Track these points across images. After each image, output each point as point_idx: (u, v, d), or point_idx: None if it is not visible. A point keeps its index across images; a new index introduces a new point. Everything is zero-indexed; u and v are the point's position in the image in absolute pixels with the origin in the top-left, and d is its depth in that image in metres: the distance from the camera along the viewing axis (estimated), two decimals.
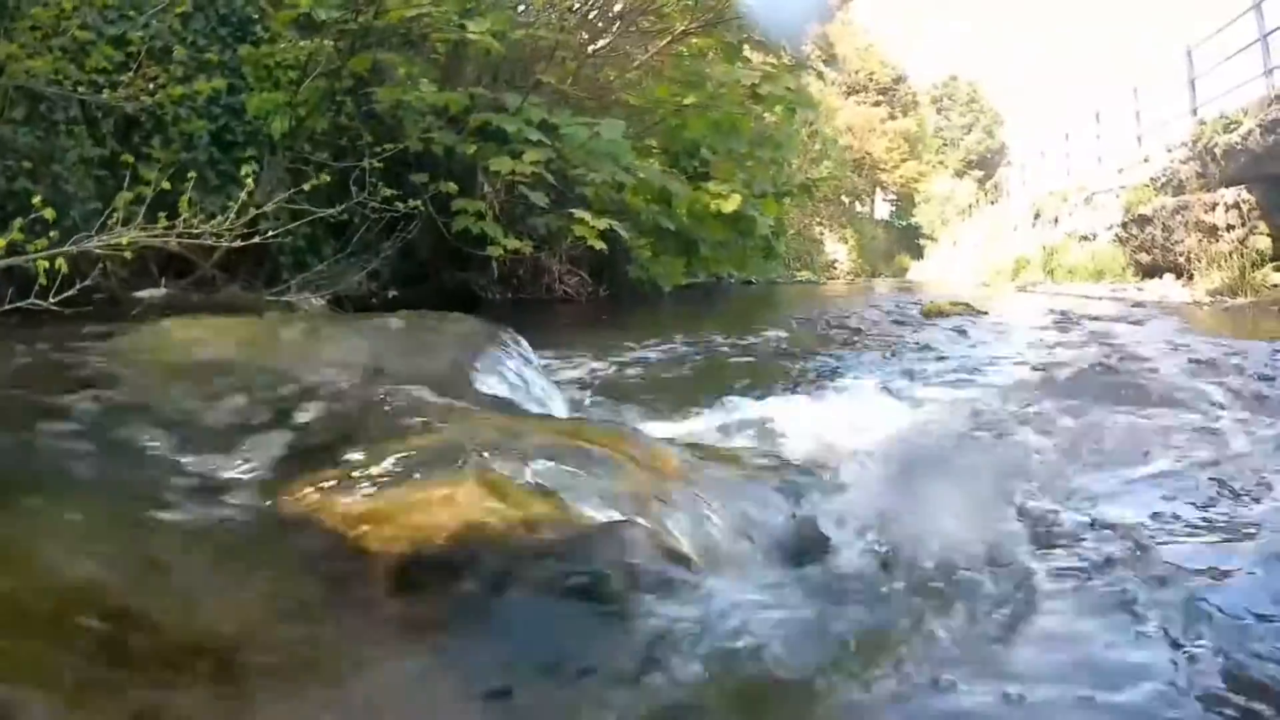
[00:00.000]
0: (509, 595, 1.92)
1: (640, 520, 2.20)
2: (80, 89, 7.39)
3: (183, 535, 2.10)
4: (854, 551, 2.38)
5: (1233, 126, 13.50)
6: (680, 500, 2.42)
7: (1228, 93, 15.51)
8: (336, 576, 1.97)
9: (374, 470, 2.30)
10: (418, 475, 2.26)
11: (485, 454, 2.34)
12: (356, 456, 2.43)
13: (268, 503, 2.24)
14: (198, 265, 8.40)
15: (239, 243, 6.31)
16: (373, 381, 3.24)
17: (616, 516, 2.20)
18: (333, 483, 2.27)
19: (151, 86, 7.60)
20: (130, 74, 7.51)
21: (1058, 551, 2.45)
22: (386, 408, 2.90)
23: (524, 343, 4.33)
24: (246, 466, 2.42)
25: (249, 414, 2.78)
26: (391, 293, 10.94)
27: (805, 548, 2.38)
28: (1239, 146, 13.03)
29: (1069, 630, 2.02)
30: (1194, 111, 16.72)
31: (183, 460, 2.46)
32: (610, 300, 13.52)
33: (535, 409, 3.55)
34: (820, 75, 38.83)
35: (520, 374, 3.82)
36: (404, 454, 2.40)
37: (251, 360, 3.39)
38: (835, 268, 50.37)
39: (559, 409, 3.93)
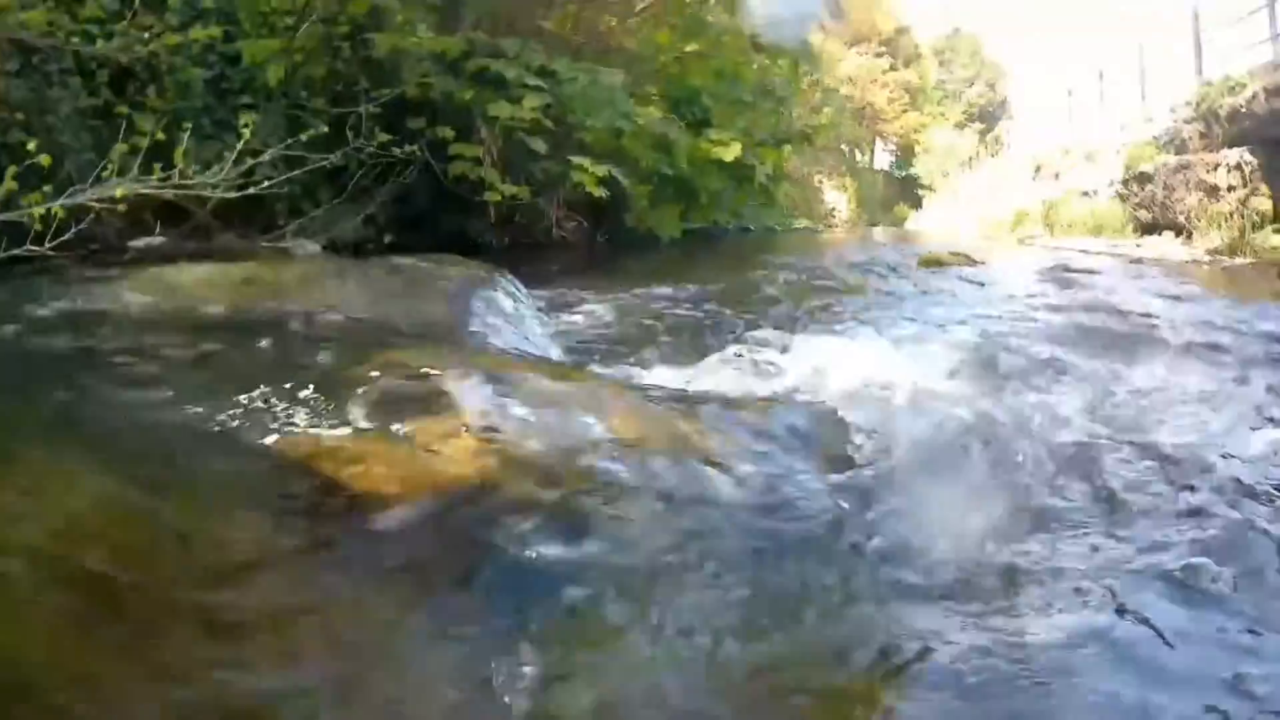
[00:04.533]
0: (499, 538, 1.92)
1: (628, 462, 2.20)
2: (74, 40, 7.32)
3: (176, 479, 2.09)
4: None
5: (1237, 89, 13.43)
6: (669, 440, 2.41)
7: (1234, 55, 15.43)
8: (327, 520, 1.96)
9: (367, 414, 2.29)
10: (410, 420, 2.25)
11: (478, 399, 2.33)
12: (350, 401, 2.41)
13: (261, 446, 2.23)
14: (193, 213, 8.35)
15: (234, 193, 6.27)
16: (368, 326, 3.22)
17: (606, 461, 2.19)
18: (325, 427, 2.25)
19: (146, 35, 7.53)
20: (124, 23, 7.44)
21: (1052, 512, 2.44)
22: (381, 352, 2.87)
23: (520, 286, 4.32)
24: (240, 410, 2.40)
25: (243, 358, 2.76)
26: (388, 238, 10.89)
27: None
28: (1243, 109, 12.99)
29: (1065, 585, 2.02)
30: (1199, 72, 16.62)
31: (178, 404, 2.44)
32: (608, 246, 13.46)
33: (531, 352, 3.53)
34: (823, 27, 38.55)
35: (516, 317, 3.81)
36: (397, 399, 2.39)
37: (247, 305, 3.36)
38: (834, 216, 50.08)
39: (554, 352, 3.92)
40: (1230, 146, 13.37)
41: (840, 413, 2.90)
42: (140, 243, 8.15)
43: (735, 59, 13.66)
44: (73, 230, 4.84)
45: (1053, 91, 31.41)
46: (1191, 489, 2.61)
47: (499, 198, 10.38)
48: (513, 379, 2.61)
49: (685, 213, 14.81)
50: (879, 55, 59.70)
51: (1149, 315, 5.82)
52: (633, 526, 2.03)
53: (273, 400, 2.47)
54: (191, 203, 7.67)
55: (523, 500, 2.01)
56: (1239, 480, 2.69)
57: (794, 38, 15.21)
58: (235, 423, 2.35)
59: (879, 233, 29.96)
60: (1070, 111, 27.52)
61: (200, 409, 2.40)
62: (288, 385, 2.57)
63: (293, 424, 2.30)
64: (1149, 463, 2.78)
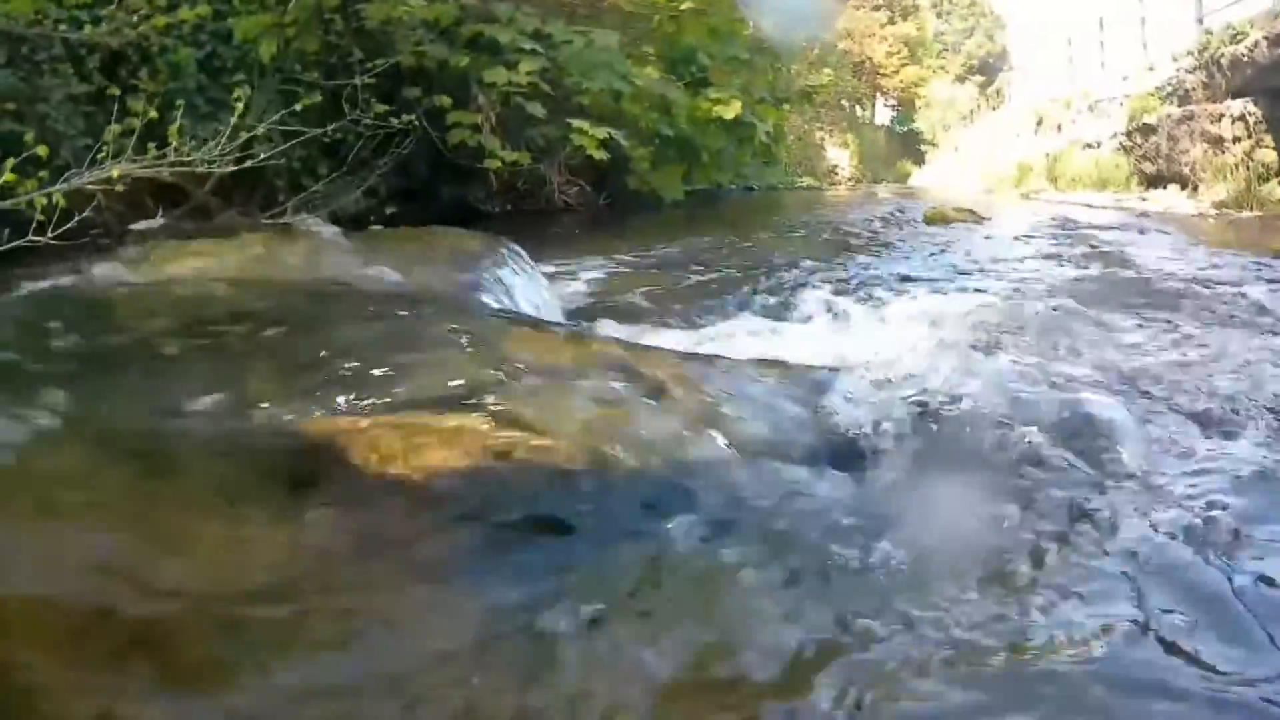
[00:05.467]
0: (528, 521, 1.89)
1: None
2: (61, 27, 7.28)
3: (195, 466, 2.04)
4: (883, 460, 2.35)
5: (1239, 38, 13.29)
6: (695, 410, 2.37)
7: (1234, 2, 15.27)
8: (349, 504, 1.92)
9: (384, 397, 2.25)
10: (428, 401, 2.20)
11: (496, 379, 2.30)
12: (366, 381, 2.36)
13: (277, 428, 2.18)
14: (192, 194, 8.32)
15: (230, 168, 6.23)
16: (376, 300, 3.17)
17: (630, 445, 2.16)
18: (343, 408, 2.21)
19: (135, 19, 7.48)
20: (112, 8, 7.40)
21: (1067, 477, 2.40)
22: (393, 327, 2.83)
23: (524, 255, 4.28)
24: (255, 393, 2.35)
25: (255, 340, 2.71)
26: (389, 209, 10.86)
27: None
28: (1245, 58, 12.85)
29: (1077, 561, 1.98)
30: (1200, 20, 16.47)
31: (193, 390, 2.38)
32: (611, 209, 13.41)
33: (542, 319, 3.52)
34: None
35: (523, 286, 3.78)
36: (413, 378, 2.35)
37: (256, 284, 3.31)
38: (837, 174, 50.01)
39: (559, 316, 3.91)
40: (1234, 97, 13.24)
41: (855, 377, 2.85)
42: (140, 225, 8.13)
43: (730, 16, 13.55)
44: (75, 219, 4.79)
45: (1052, 41, 31.07)
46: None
47: (499, 164, 10.34)
48: (530, 352, 2.56)
49: (687, 173, 14.75)
50: (877, 9, 59.45)
51: (1162, 274, 5.75)
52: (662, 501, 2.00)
53: (289, 383, 2.41)
54: (190, 182, 7.64)
55: (549, 480, 1.98)
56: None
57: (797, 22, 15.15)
58: (251, 407, 2.29)
59: (882, 189, 29.89)
60: (1071, 61, 27.34)
61: (213, 395, 2.35)
62: (300, 366, 2.51)
63: (307, 407, 2.25)
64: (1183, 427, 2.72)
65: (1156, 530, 2.06)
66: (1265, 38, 12.22)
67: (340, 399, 2.24)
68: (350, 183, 9.58)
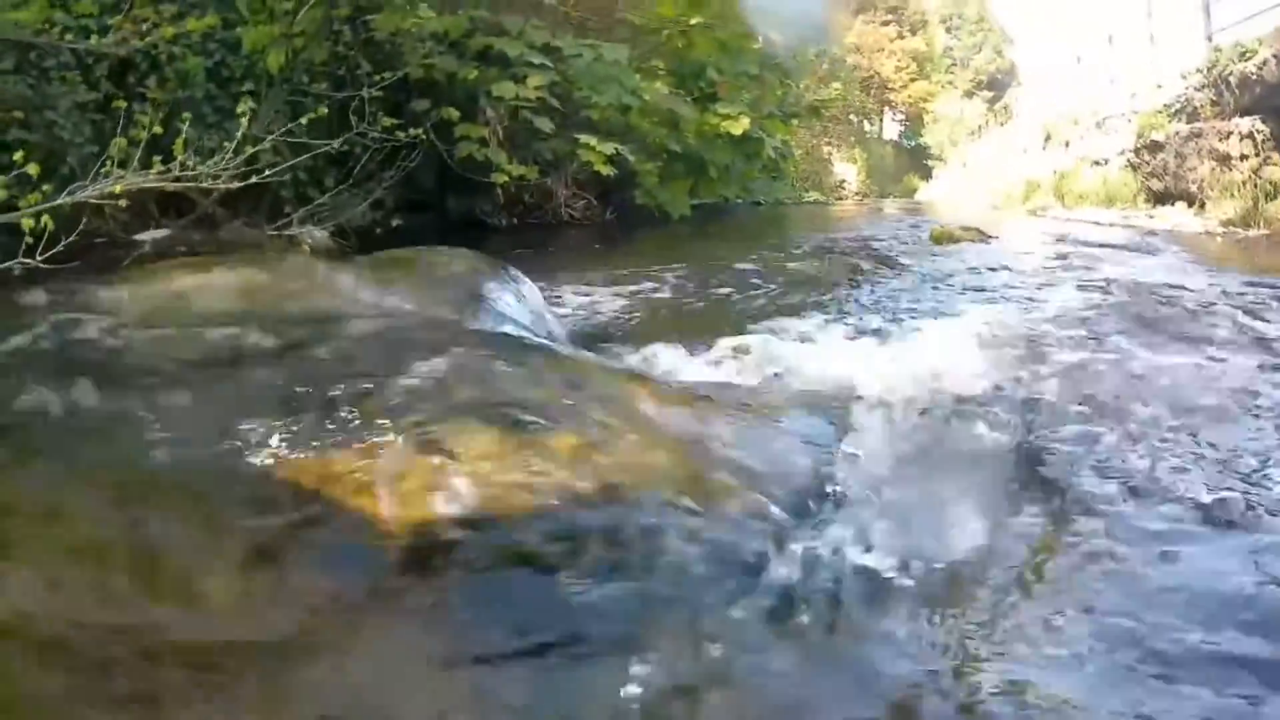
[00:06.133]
0: (522, 565, 1.86)
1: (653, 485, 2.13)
2: (68, 36, 7.26)
3: (184, 500, 2.01)
4: (869, 503, 2.31)
5: (1248, 55, 13.25)
6: (694, 452, 2.34)
7: (1244, 20, 15.22)
8: (343, 545, 1.88)
9: (382, 431, 2.21)
10: (425, 436, 2.17)
11: (495, 411, 2.26)
12: (365, 416, 2.32)
13: (272, 463, 2.14)
14: (198, 204, 8.30)
15: (235, 184, 6.21)
16: (375, 329, 3.12)
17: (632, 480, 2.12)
18: (339, 443, 2.17)
19: (144, 28, 7.46)
20: (119, 17, 7.38)
21: (1079, 517, 2.37)
22: (392, 358, 2.78)
23: (526, 280, 4.23)
24: (251, 427, 2.31)
25: (253, 371, 2.67)
26: (395, 222, 10.84)
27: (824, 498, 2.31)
28: (1254, 76, 12.81)
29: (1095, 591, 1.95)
30: (1209, 38, 16.43)
31: (178, 430, 2.35)
32: (618, 224, 13.40)
33: (551, 345, 3.46)
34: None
35: (525, 312, 3.73)
36: (411, 414, 2.31)
37: (254, 312, 3.26)
38: (844, 188, 50.00)
39: (564, 347, 3.84)
40: (1242, 114, 13.20)
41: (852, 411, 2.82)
42: (146, 235, 8.11)
43: (740, 31, 13.56)
44: (78, 230, 4.76)
45: (1061, 57, 31.06)
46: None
47: (506, 178, 10.33)
48: (530, 383, 2.52)
49: (694, 188, 14.73)
50: (886, 23, 59.53)
51: (1170, 297, 5.70)
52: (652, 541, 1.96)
53: (285, 416, 2.37)
54: (196, 193, 7.61)
55: (543, 521, 1.95)
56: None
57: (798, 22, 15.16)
58: (248, 440, 2.26)
59: (889, 205, 29.83)
60: (1079, 78, 27.28)
61: (212, 428, 2.31)
62: (298, 399, 2.48)
63: (304, 440, 2.22)
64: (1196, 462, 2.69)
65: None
66: (1275, 55, 12.19)
67: (331, 438, 2.21)
68: (357, 195, 9.55)
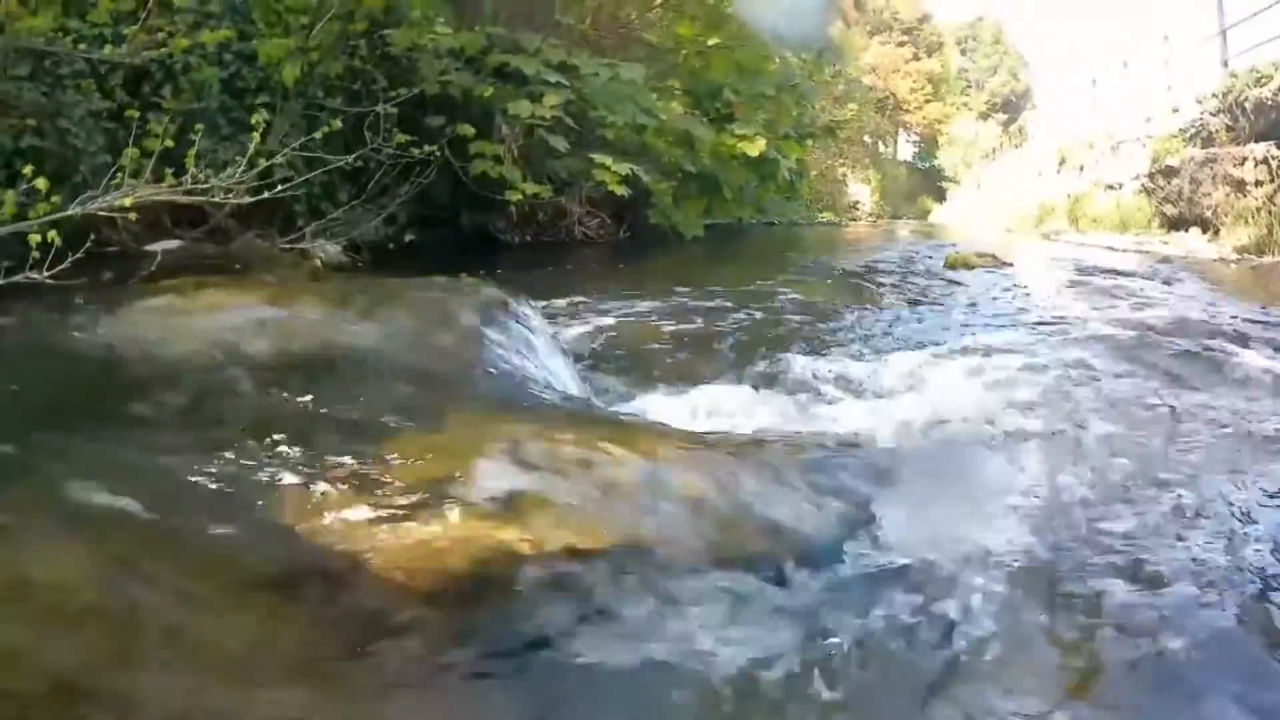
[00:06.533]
0: (522, 628, 1.79)
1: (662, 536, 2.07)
2: (81, 45, 7.25)
3: (165, 558, 1.94)
4: (897, 544, 2.25)
5: (1264, 81, 13.22)
6: (704, 506, 2.27)
7: (1259, 45, 15.21)
8: (330, 606, 1.82)
9: (372, 486, 2.13)
10: (417, 495, 2.09)
11: (493, 467, 2.19)
12: (354, 468, 2.24)
13: (255, 514, 2.07)
14: (211, 215, 8.28)
15: (247, 199, 6.18)
16: (375, 372, 3.00)
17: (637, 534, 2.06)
18: (324, 499, 2.09)
19: (159, 38, 7.44)
20: (134, 27, 7.36)
21: (1104, 550, 2.32)
22: (388, 405, 2.68)
23: (536, 314, 4.12)
24: (239, 474, 2.23)
25: (242, 415, 2.58)
26: (409, 237, 10.83)
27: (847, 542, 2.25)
28: (1269, 102, 12.78)
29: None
30: (1225, 63, 16.40)
31: (160, 471, 2.27)
32: (632, 243, 13.37)
33: (547, 393, 3.33)
34: (844, 19, 38.56)
35: (532, 352, 3.63)
36: (401, 468, 2.23)
37: (248, 350, 3.14)
38: (858, 209, 49.95)
39: (572, 386, 3.76)
40: (1257, 140, 13.15)
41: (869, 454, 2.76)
42: (158, 246, 8.09)
43: (757, 52, 13.56)
44: (91, 239, 4.72)
45: (1077, 81, 31.06)
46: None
47: (520, 196, 10.31)
48: (531, 437, 2.43)
49: (709, 209, 14.73)
50: (901, 44, 59.65)
51: (1189, 331, 5.62)
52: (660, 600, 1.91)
53: (275, 465, 2.28)
54: (209, 205, 7.59)
55: (546, 584, 1.89)
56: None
57: (809, 31, 15.16)
58: (234, 491, 2.17)
59: (902, 227, 29.79)
60: (1094, 101, 27.27)
61: (194, 478, 2.23)
62: (290, 448, 2.38)
63: (291, 492, 2.13)
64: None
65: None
66: None
67: (318, 489, 2.14)
68: (370, 210, 9.53)
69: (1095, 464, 2.96)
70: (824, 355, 4.88)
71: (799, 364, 4.46)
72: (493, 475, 2.17)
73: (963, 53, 67.61)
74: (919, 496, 2.48)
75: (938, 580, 2.11)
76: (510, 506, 2.07)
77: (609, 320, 5.92)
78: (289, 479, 2.19)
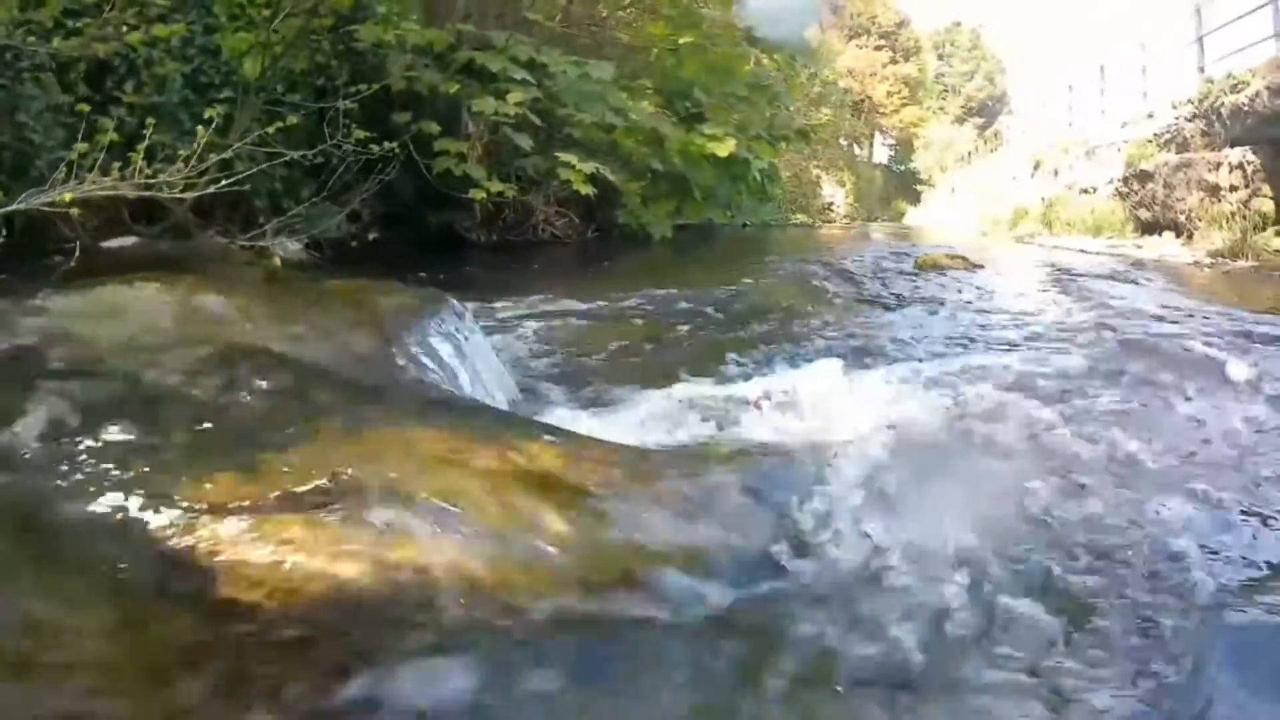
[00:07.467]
0: (394, 657, 1.67)
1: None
2: (30, 40, 7.11)
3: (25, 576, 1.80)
4: (839, 558, 2.13)
5: (1240, 87, 13.22)
6: (624, 523, 2.13)
7: (1235, 52, 15.23)
8: (203, 628, 1.69)
9: (245, 502, 1.95)
10: (294, 513, 1.93)
11: (379, 487, 2.02)
12: (233, 483, 2.05)
13: (119, 529, 1.91)
14: (172, 212, 8.15)
15: (195, 193, 6.04)
16: (273, 376, 2.78)
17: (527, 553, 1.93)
18: (198, 515, 1.93)
19: (111, 31, 7.29)
20: (87, 21, 7.23)
21: (1064, 562, 2.22)
22: (279, 413, 2.47)
23: (468, 317, 3.92)
24: (105, 486, 2.06)
25: (118, 418, 2.38)
26: (373, 235, 10.72)
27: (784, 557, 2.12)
28: (1245, 108, 12.77)
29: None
30: (1201, 69, 16.43)
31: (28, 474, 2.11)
32: (600, 243, 13.26)
33: (470, 403, 3.14)
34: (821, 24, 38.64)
35: (460, 359, 3.44)
36: (279, 475, 2.06)
37: (142, 349, 2.93)
38: (832, 211, 49.99)
39: (503, 394, 3.60)
40: (1232, 145, 13.16)
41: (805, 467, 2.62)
42: (114, 243, 7.97)
43: (729, 52, 13.48)
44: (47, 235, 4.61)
45: (1053, 86, 31.16)
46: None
47: (483, 195, 10.19)
48: (435, 454, 2.24)
49: (679, 209, 14.66)
50: (878, 48, 59.89)
51: (1158, 334, 5.53)
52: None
53: (148, 475, 2.10)
54: (170, 201, 7.47)
55: (424, 609, 1.76)
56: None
57: (791, 33, 15.11)
58: (98, 504, 2.01)
59: (876, 229, 29.76)
60: (1070, 107, 27.34)
61: (62, 488, 2.07)
62: (167, 456, 2.20)
63: (162, 506, 1.97)
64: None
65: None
66: (1267, 87, 12.13)
67: (199, 501, 1.98)
68: (332, 207, 9.41)
69: (1052, 468, 2.85)
70: (772, 360, 4.75)
71: (745, 370, 4.35)
72: (374, 490, 2.01)
73: (940, 57, 67.98)
74: (854, 507, 2.36)
75: (870, 597, 2.01)
76: (386, 525, 1.93)
77: (561, 322, 5.79)
78: (156, 484, 2.04)
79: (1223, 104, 13.54)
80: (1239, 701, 1.63)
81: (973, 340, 5.61)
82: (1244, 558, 2.33)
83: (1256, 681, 1.67)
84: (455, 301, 3.80)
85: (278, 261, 7.90)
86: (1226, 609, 2.01)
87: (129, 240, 8.10)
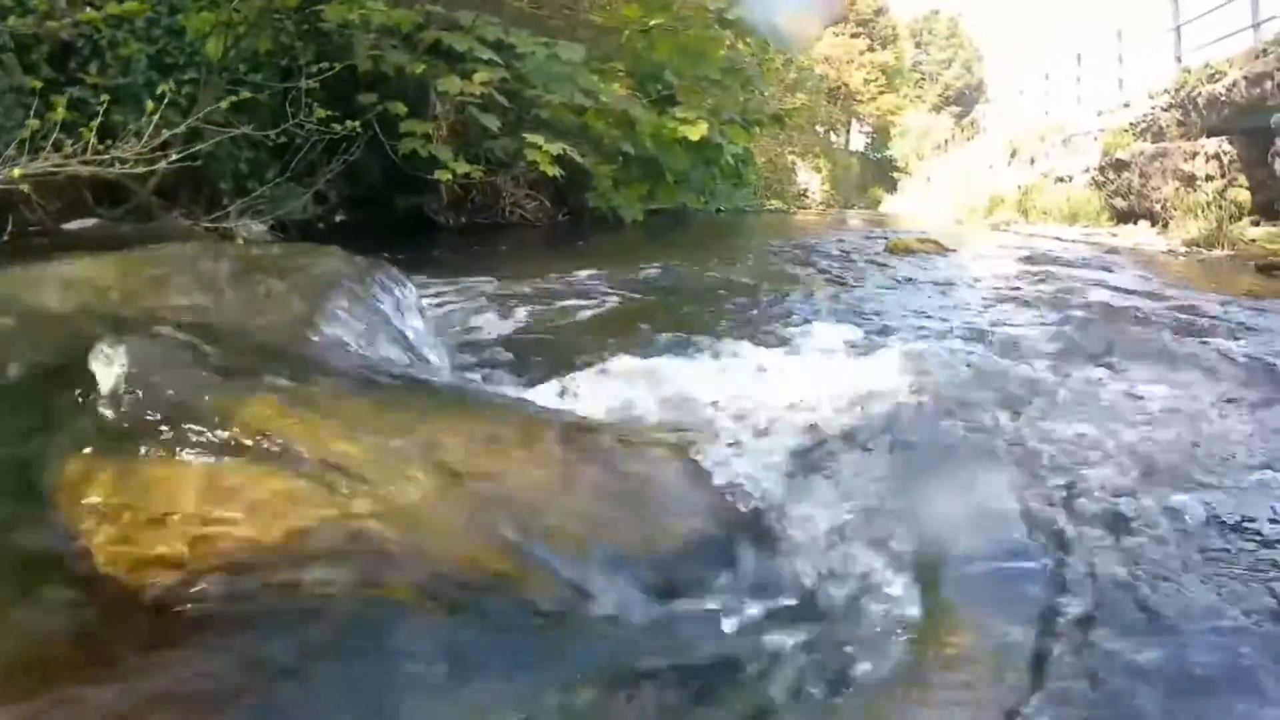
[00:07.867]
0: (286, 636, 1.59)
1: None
2: None
3: None
4: (784, 542, 2.04)
5: (1217, 77, 13.24)
6: (547, 498, 2.01)
7: (1213, 42, 15.25)
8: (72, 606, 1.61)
9: (129, 476, 1.85)
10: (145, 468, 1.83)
11: (283, 447, 1.91)
12: (127, 453, 1.94)
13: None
14: (135, 193, 8.06)
15: (148, 170, 5.94)
16: (183, 343, 2.63)
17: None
18: (80, 478, 1.83)
19: (64, 7, 7.17)
20: None
21: (1023, 543, 2.14)
22: (184, 381, 2.34)
23: (406, 285, 3.79)
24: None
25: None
26: (339, 217, 10.64)
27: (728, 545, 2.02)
28: (1222, 98, 12.77)
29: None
30: (1178, 59, 16.44)
31: None
32: (570, 226, 13.19)
33: (399, 371, 3.01)
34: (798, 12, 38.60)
35: (388, 326, 3.32)
36: (162, 455, 1.94)
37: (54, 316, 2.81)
38: (807, 198, 49.98)
39: (438, 364, 3.48)
40: (1209, 135, 13.17)
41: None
42: (74, 225, 7.88)
43: (702, 35, 13.38)
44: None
45: (1030, 75, 31.24)
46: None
47: (449, 176, 10.09)
48: (346, 416, 2.10)
49: (651, 193, 14.58)
50: (856, 36, 59.88)
51: (1127, 314, 5.50)
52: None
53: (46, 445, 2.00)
54: (132, 182, 7.37)
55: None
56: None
57: (766, 17, 15.02)
58: None
59: (851, 215, 29.77)
60: (1047, 95, 27.41)
61: None
62: (66, 424, 2.09)
63: (59, 473, 1.87)
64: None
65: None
66: (1244, 77, 12.12)
67: (78, 468, 1.88)
68: (297, 188, 9.31)
69: (1007, 448, 2.78)
70: (730, 341, 4.66)
71: (701, 348, 4.26)
72: (273, 462, 1.91)
73: (917, 45, 68.08)
74: (803, 487, 2.28)
75: (818, 584, 1.93)
76: (281, 496, 1.83)
77: (517, 302, 5.68)
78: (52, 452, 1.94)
79: (1199, 94, 13.55)
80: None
81: (935, 318, 5.55)
82: (1210, 533, 2.26)
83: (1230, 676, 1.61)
84: (394, 269, 3.68)
85: (241, 242, 7.81)
86: (1193, 583, 1.95)
87: (90, 222, 8.02)
